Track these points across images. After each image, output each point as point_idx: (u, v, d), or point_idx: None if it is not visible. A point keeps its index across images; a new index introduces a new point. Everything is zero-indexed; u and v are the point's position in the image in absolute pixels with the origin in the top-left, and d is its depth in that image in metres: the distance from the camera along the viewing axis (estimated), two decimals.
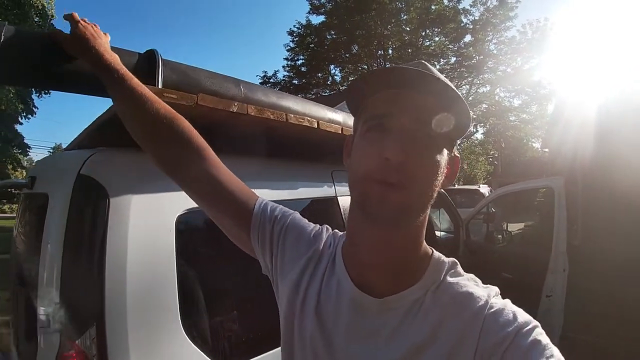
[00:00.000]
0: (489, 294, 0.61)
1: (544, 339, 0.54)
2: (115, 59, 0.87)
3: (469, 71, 21.26)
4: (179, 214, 1.23)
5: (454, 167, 0.67)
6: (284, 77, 23.77)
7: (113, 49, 1.02)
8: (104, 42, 0.90)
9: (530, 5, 23.81)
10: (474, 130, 25.78)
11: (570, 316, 2.83)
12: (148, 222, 1.17)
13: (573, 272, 2.89)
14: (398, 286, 0.64)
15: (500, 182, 20.50)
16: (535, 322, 0.57)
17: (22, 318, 1.52)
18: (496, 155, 28.32)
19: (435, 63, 21.98)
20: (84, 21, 0.91)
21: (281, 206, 0.84)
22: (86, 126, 1.34)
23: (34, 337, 1.12)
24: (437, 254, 0.69)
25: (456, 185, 20.51)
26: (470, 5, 20.16)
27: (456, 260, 0.69)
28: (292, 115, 1.41)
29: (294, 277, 0.74)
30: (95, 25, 0.94)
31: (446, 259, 0.68)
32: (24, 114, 9.57)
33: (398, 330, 0.62)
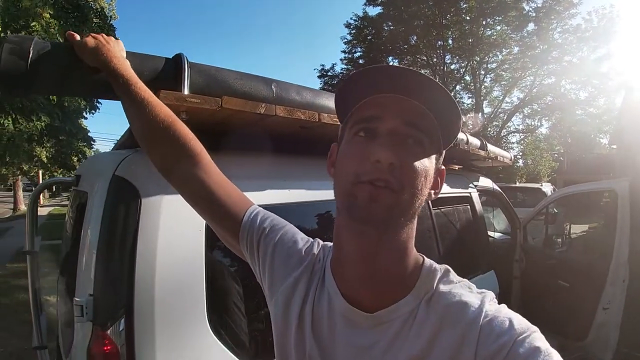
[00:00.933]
0: (482, 301, 0.59)
1: (543, 344, 0.52)
2: (122, 65, 0.89)
3: (533, 62, 20.14)
4: None
5: (440, 179, 0.65)
6: (341, 70, 23.71)
7: (138, 55, 1.05)
8: (112, 48, 0.92)
9: None
10: (539, 124, 24.46)
11: (628, 330, 2.62)
12: (178, 223, 1.20)
13: (636, 279, 2.66)
14: (390, 298, 0.62)
15: (566, 180, 19.31)
16: (533, 328, 0.54)
17: (63, 305, 1.61)
18: (562, 151, 26.64)
19: (498, 53, 21.09)
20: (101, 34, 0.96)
21: (273, 217, 0.82)
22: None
23: (72, 324, 1.20)
24: (428, 261, 0.66)
25: (517, 183, 19.53)
26: None
27: (449, 267, 0.66)
28: (326, 115, 1.38)
29: (286, 294, 0.72)
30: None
31: (438, 267, 0.65)
32: (88, 110, 10.22)
33: (393, 344, 0.60)
